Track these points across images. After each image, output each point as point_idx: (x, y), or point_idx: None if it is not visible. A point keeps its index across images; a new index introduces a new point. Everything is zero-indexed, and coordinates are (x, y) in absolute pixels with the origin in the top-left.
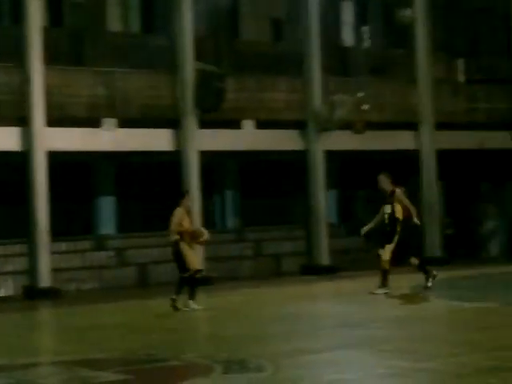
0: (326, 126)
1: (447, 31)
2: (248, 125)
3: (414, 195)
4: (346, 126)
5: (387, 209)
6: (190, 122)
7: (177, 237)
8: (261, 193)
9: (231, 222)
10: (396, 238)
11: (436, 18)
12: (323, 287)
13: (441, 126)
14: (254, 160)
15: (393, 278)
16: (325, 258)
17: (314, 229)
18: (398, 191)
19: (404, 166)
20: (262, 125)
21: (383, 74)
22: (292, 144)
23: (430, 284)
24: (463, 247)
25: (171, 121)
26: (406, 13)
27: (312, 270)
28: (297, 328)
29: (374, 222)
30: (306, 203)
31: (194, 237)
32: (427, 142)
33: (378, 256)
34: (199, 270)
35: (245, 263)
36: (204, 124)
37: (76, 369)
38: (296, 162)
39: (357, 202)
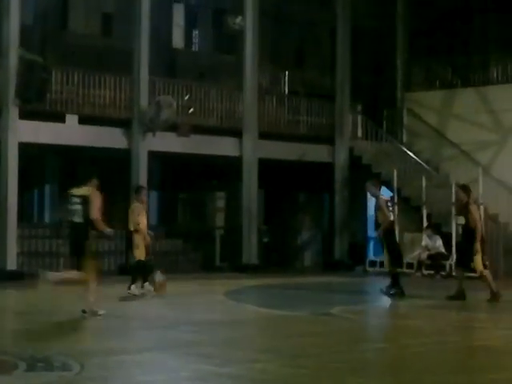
0: (150, 127)
1: (275, 42)
2: (71, 119)
3: (235, 201)
4: (171, 127)
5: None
6: (11, 111)
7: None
8: None
9: (48, 216)
10: (385, 244)
11: (265, 29)
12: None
13: (264, 135)
14: (76, 155)
15: (205, 283)
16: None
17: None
18: (381, 198)
19: (226, 171)
20: (85, 120)
21: (211, 79)
22: (116, 142)
23: None
24: (278, 256)
25: None
26: (237, 20)
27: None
28: (107, 328)
29: None
30: (127, 202)
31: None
32: (250, 150)
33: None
34: (148, 260)
35: (61, 260)
36: (26, 115)
37: None
38: (119, 161)
39: (178, 205)
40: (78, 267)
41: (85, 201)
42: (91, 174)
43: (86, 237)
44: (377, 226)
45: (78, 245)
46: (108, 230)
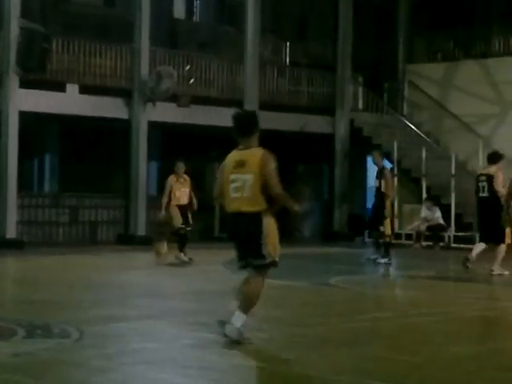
0: (151, 97)
1: (276, 13)
2: (72, 89)
3: None
4: (172, 98)
5: (376, 183)
6: (12, 80)
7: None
8: (81, 159)
9: (48, 186)
10: (388, 212)
11: (266, 0)
12: (137, 258)
13: (264, 106)
14: (76, 125)
15: (202, 253)
16: (141, 229)
17: (133, 199)
18: (386, 169)
19: (226, 142)
20: (86, 90)
21: (212, 50)
22: (116, 112)
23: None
24: (277, 226)
25: None
26: None
27: (128, 239)
28: (106, 296)
29: None
30: (127, 172)
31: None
32: None
33: (380, 232)
34: (181, 228)
35: (60, 229)
36: (26, 84)
37: None
38: (119, 131)
39: None
40: (486, 239)
41: (490, 178)
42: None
43: (498, 210)
44: (379, 194)
45: (489, 218)
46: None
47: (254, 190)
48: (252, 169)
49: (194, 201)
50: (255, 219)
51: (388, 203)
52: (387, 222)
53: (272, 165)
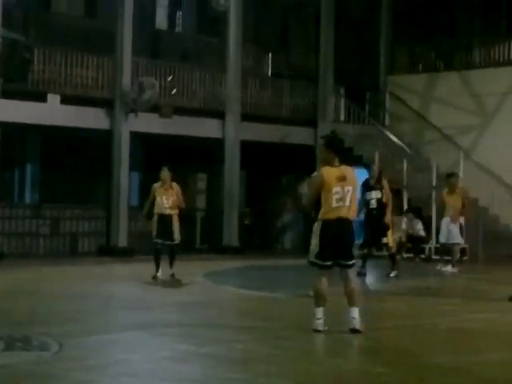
0: (133, 107)
1: (259, 24)
2: (53, 99)
3: (217, 183)
4: (154, 108)
5: (376, 194)
6: None
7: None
8: (62, 169)
9: (29, 196)
10: (388, 221)
11: (249, 11)
12: (118, 269)
13: (246, 117)
14: (57, 135)
15: (183, 265)
16: (122, 240)
17: (114, 210)
18: (385, 180)
19: (208, 153)
20: (67, 100)
21: (194, 61)
22: (98, 122)
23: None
24: (259, 238)
25: None
26: (221, 1)
27: (109, 251)
28: (85, 308)
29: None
30: (108, 183)
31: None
32: (232, 132)
33: (385, 244)
34: (155, 242)
35: (41, 240)
36: (7, 94)
37: None
38: (101, 141)
39: None
40: None
41: None
42: None
43: None
44: (380, 206)
45: None
46: None
47: (353, 200)
48: (351, 182)
49: (182, 205)
50: (350, 225)
51: (388, 213)
52: (389, 232)
53: None
